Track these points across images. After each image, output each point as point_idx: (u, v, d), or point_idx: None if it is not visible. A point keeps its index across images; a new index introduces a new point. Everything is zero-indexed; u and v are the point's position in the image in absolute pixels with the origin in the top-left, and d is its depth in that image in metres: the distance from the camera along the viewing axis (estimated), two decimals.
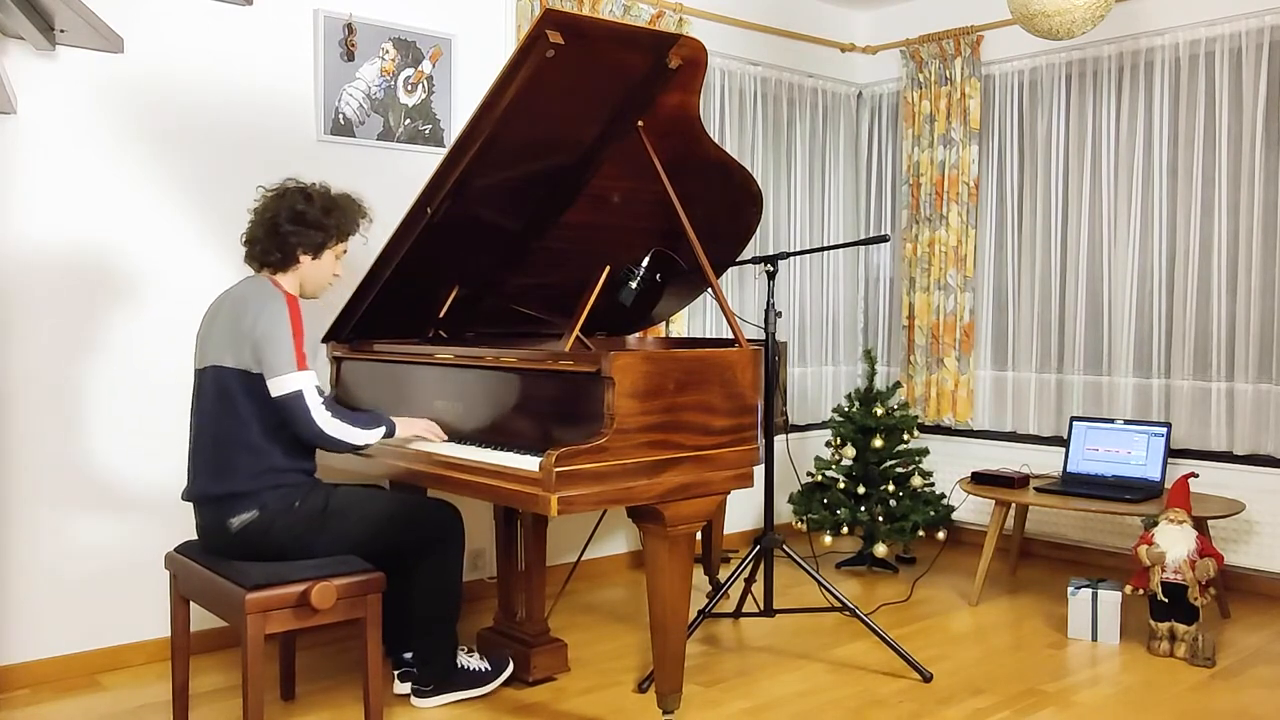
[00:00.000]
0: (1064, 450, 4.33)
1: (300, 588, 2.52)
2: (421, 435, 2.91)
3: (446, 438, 2.95)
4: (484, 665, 3.08)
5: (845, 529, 4.49)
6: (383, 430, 2.78)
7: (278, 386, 2.61)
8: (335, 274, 2.88)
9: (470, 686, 3.03)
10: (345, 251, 2.89)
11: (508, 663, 3.11)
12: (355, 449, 2.76)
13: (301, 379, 2.62)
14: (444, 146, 3.93)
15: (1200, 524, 3.68)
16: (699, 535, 3.43)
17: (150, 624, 3.39)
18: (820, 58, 5.36)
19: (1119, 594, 3.60)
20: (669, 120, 3.04)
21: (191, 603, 2.78)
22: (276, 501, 2.65)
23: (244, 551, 2.64)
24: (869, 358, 4.71)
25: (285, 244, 2.75)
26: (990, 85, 5.04)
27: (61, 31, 3.03)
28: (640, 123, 2.99)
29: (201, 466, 2.70)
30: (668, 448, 2.59)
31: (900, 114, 5.35)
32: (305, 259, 2.79)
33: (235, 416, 2.65)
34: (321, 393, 2.67)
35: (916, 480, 4.49)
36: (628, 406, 2.51)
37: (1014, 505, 4.23)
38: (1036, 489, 4.08)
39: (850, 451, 4.52)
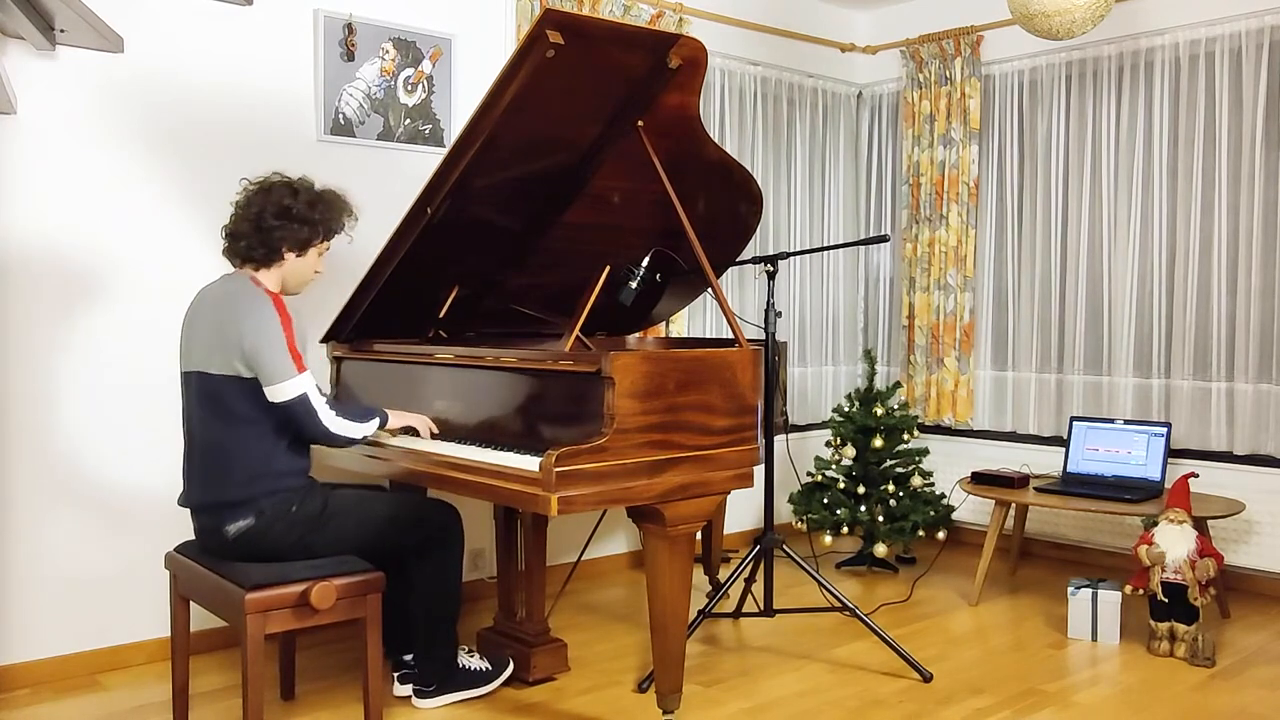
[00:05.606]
0: (1064, 450, 4.33)
1: (300, 588, 2.52)
2: (412, 425, 2.91)
3: (437, 431, 2.96)
4: (484, 665, 3.08)
5: (845, 529, 4.49)
6: (377, 421, 2.79)
7: (279, 393, 2.57)
8: (317, 270, 2.81)
9: (471, 686, 3.04)
10: (328, 248, 2.82)
11: (508, 663, 3.11)
12: (356, 444, 2.77)
13: (302, 382, 2.59)
14: (444, 146, 3.93)
15: (1200, 524, 3.68)
16: (699, 535, 3.43)
17: (150, 624, 3.39)
18: (820, 58, 5.36)
19: (1119, 594, 3.60)
20: (669, 120, 3.04)
21: (191, 603, 2.78)
22: (273, 507, 2.62)
23: (242, 556, 2.63)
24: (869, 358, 4.71)
25: (270, 240, 2.67)
26: (990, 85, 5.03)
27: (61, 31, 3.03)
28: (640, 123, 2.99)
29: (195, 474, 2.68)
30: (668, 448, 2.59)
31: (900, 114, 5.35)
32: (290, 256, 2.72)
33: (226, 423, 2.60)
34: (321, 391, 2.67)
35: (916, 480, 4.49)
36: (628, 406, 2.51)
37: (1014, 505, 4.23)
38: (1036, 489, 4.08)
39: (850, 451, 4.52)
